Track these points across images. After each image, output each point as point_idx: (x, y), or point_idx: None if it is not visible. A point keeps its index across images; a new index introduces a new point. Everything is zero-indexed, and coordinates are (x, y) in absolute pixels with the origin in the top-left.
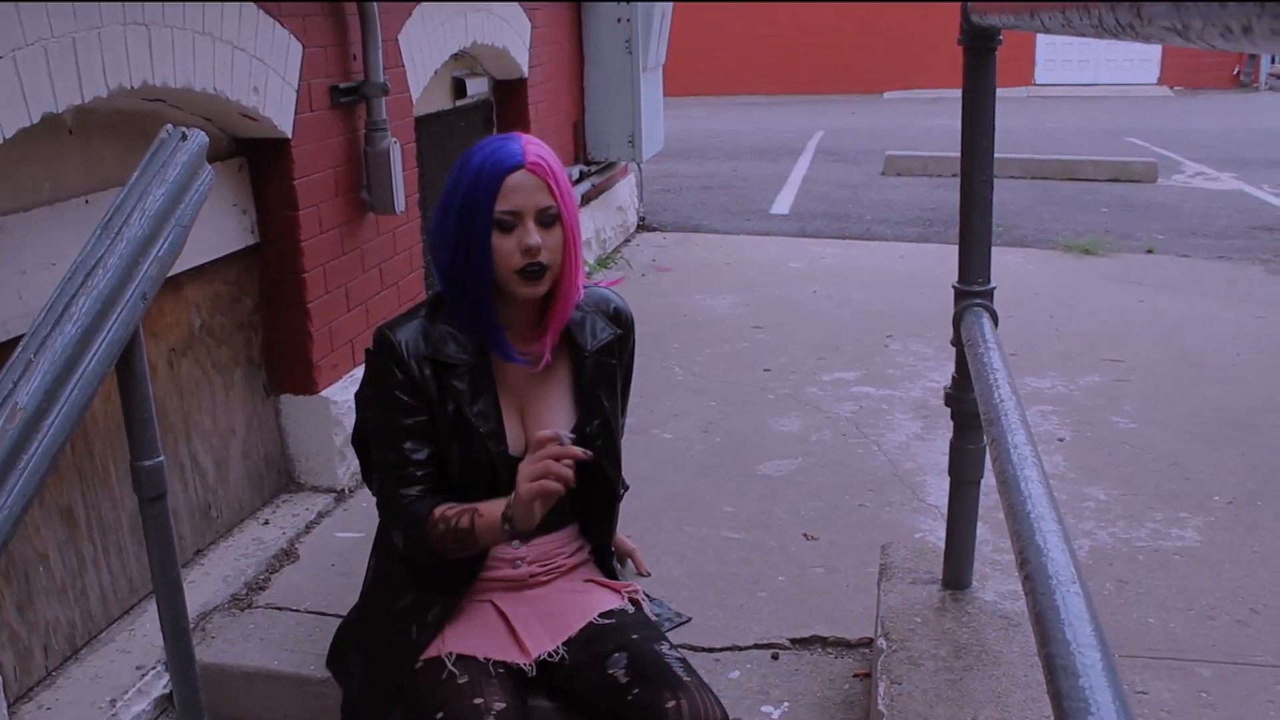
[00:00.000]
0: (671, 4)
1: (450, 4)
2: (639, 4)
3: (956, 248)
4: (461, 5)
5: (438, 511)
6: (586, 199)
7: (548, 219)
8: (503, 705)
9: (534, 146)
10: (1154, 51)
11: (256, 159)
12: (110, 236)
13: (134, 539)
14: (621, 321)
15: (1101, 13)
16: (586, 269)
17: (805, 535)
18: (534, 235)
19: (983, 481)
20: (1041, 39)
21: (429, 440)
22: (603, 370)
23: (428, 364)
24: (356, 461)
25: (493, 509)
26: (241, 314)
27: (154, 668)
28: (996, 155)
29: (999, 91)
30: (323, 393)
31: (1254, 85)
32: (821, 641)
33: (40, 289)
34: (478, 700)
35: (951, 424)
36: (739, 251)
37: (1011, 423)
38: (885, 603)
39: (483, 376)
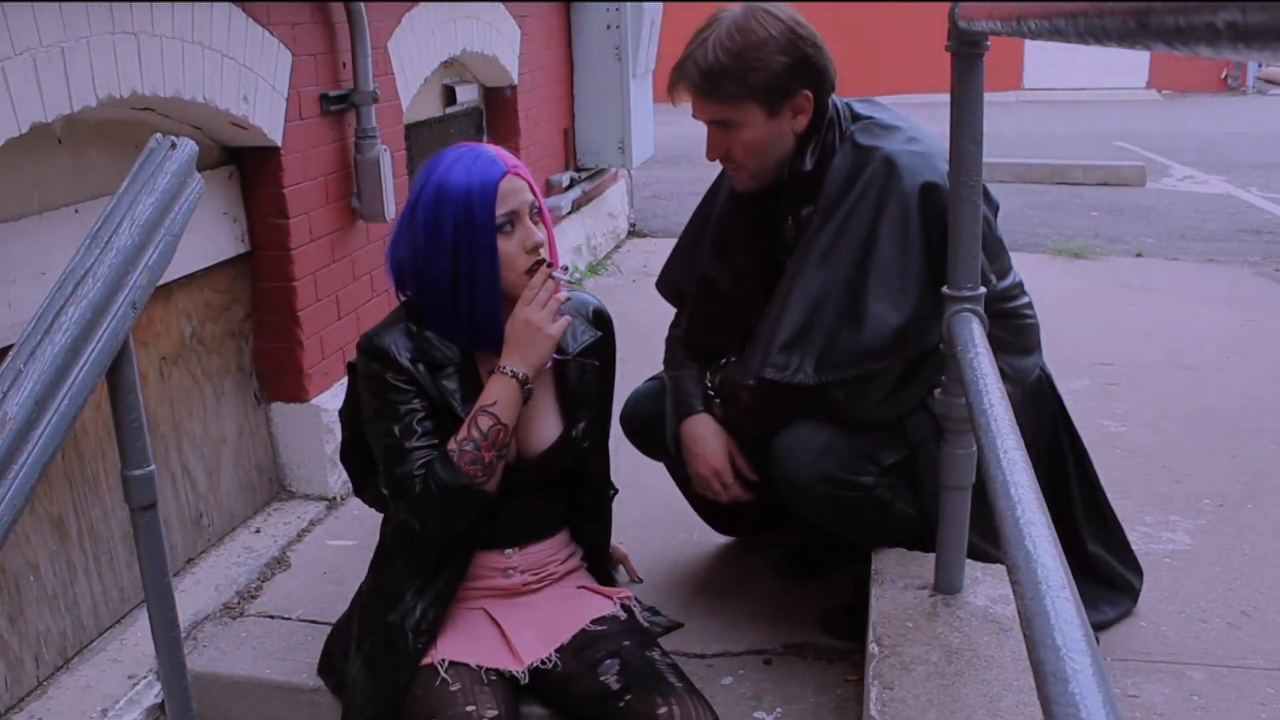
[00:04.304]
0: (661, 11)
1: (440, 11)
2: (629, 11)
3: None
4: (451, 13)
5: (452, 444)
6: (577, 205)
7: (535, 216)
8: (495, 712)
9: (502, 152)
10: (1142, 55)
11: (246, 167)
12: (100, 246)
13: (125, 548)
14: (602, 323)
15: (1088, 19)
16: (579, 275)
17: None
18: (537, 232)
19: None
20: (1030, 43)
21: (432, 424)
22: (586, 372)
23: (419, 363)
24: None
25: (488, 389)
26: (232, 322)
27: (145, 677)
28: (986, 160)
29: (988, 96)
30: (314, 400)
31: (1242, 89)
32: (814, 647)
33: (30, 299)
34: (470, 707)
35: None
36: None
37: (1001, 428)
38: (876, 608)
39: (471, 377)
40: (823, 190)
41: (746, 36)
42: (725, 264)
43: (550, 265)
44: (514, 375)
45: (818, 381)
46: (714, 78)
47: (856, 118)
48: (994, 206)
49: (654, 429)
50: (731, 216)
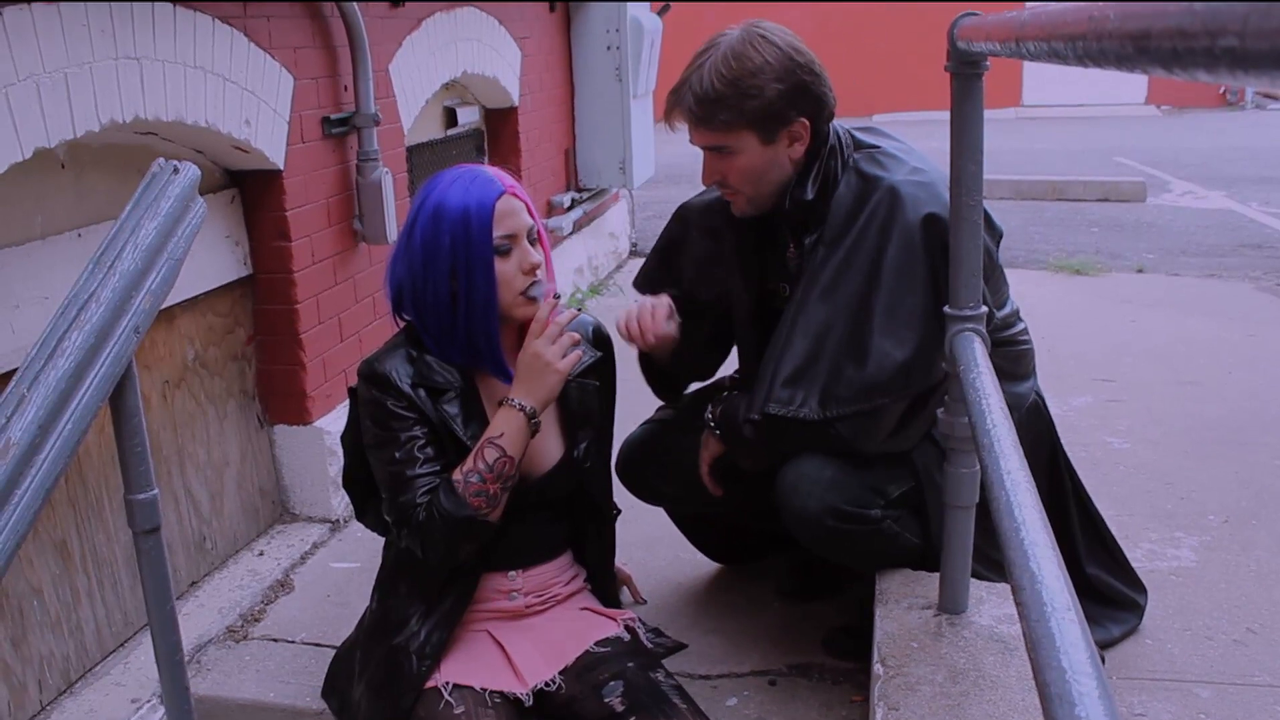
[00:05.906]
0: (661, 32)
1: (441, 34)
2: (629, 32)
3: None
4: (452, 35)
5: (457, 474)
6: (578, 226)
7: (533, 238)
8: None
9: (501, 173)
10: None
11: (249, 191)
12: (103, 270)
13: (128, 572)
14: (602, 342)
15: (1087, 43)
16: (581, 296)
17: None
18: (534, 253)
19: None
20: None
21: (435, 450)
22: (587, 392)
23: (420, 389)
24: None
25: (496, 421)
26: (235, 345)
27: (149, 701)
28: (986, 177)
29: (987, 113)
30: (316, 423)
31: (1240, 104)
32: (818, 668)
33: (33, 323)
34: None
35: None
36: None
37: (1004, 448)
38: (881, 628)
39: (472, 400)
40: (827, 219)
41: (743, 63)
42: (716, 288)
43: (558, 297)
44: (522, 409)
45: (822, 417)
46: (709, 105)
47: (859, 145)
48: (996, 235)
49: (650, 475)
50: (723, 242)
